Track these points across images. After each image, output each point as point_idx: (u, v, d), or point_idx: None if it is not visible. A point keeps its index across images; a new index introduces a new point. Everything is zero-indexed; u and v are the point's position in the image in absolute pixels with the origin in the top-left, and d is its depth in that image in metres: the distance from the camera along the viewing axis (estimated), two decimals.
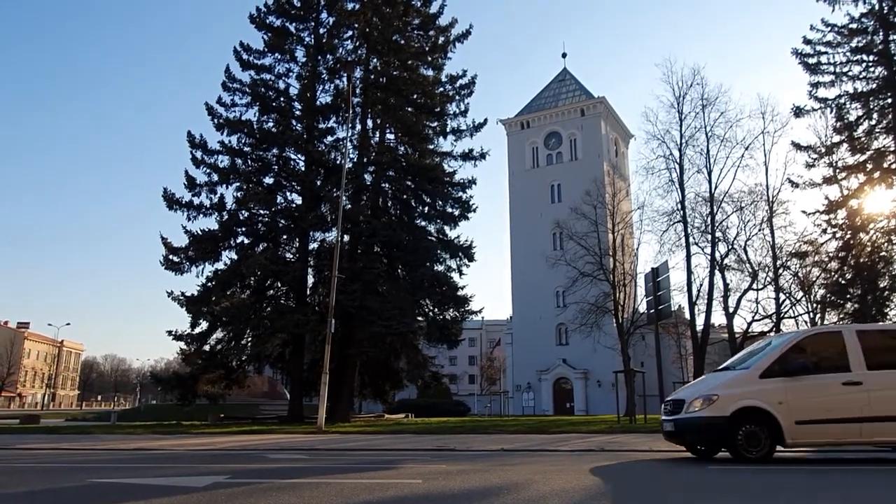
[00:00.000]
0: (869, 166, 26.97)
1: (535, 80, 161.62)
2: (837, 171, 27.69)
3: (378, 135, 29.37)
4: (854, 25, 27.21)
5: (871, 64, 27.48)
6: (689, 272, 32.22)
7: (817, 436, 8.62)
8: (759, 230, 32.27)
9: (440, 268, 28.15)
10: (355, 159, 27.81)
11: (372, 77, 28.51)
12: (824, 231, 28.48)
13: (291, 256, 27.75)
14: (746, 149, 31.74)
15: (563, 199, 55.45)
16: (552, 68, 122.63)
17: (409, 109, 28.47)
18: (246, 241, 27.02)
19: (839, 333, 9.18)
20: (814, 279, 33.34)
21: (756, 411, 8.48)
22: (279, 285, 27.38)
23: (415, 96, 28.46)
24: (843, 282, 27.62)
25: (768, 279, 32.32)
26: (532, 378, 58.33)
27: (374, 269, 25.95)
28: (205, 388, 27.66)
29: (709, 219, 32.04)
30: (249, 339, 26.77)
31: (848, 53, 27.73)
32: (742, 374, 9.17)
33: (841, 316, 29.78)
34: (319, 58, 28.74)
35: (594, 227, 35.60)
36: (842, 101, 27.46)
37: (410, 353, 28.62)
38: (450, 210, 28.66)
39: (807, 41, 28.16)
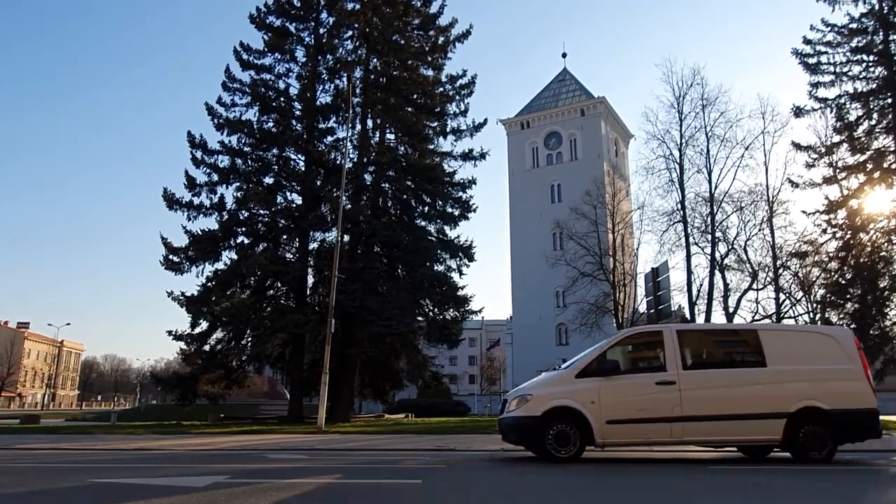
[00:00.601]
0: (869, 166, 26.95)
1: (535, 80, 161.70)
2: (837, 171, 27.68)
3: (378, 135, 29.37)
4: (854, 25, 27.21)
5: (871, 64, 27.47)
6: (689, 272, 32.24)
7: (628, 435, 8.58)
8: (759, 230, 32.30)
9: (440, 268, 28.15)
10: (355, 159, 27.81)
11: (372, 77, 28.51)
12: (824, 231, 28.47)
13: (291, 256, 27.74)
14: (746, 149, 31.77)
15: (563, 199, 55.46)
16: (552, 68, 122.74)
17: (409, 109, 28.47)
18: (246, 241, 27.01)
19: (660, 333, 9.11)
20: (814, 279, 33.34)
21: (568, 411, 8.46)
22: (279, 285, 27.38)
23: (415, 96, 28.46)
24: (843, 282, 27.61)
25: (768, 279, 32.34)
26: (532, 378, 58.26)
27: (374, 269, 25.94)
28: (205, 388, 27.65)
29: (709, 219, 32.04)
30: (249, 339, 26.77)
31: (848, 53, 27.73)
32: (560, 374, 9.22)
33: (841, 316, 29.78)
34: (319, 58, 28.74)
35: (594, 227, 35.59)
36: (842, 101, 27.46)
37: (410, 353, 28.61)
38: (450, 210, 28.66)
39: (807, 41, 28.16)
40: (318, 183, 27.47)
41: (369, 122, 29.40)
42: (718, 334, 10.30)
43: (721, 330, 10.45)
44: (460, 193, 28.60)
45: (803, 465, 8.13)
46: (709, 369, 8.97)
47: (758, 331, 9.26)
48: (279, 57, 28.93)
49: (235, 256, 26.34)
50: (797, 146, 28.71)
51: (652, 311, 18.30)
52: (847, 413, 8.47)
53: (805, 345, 9.16)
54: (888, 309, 26.93)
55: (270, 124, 27.93)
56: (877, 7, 26.92)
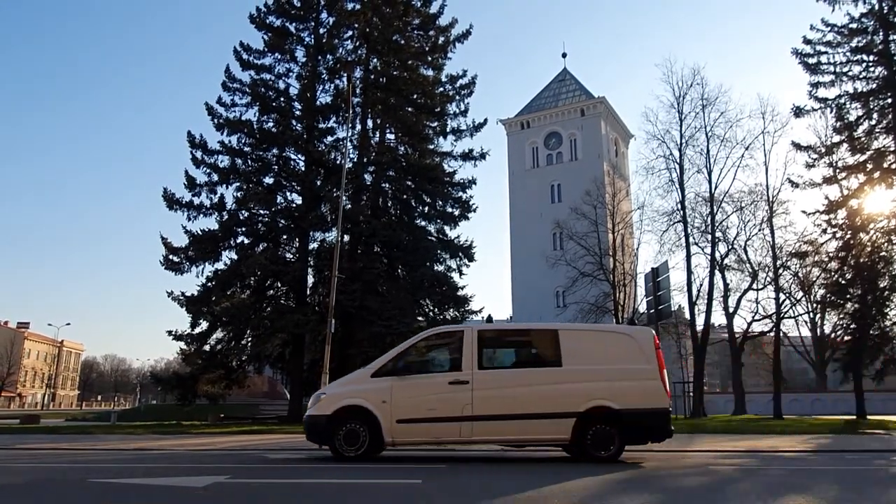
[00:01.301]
0: (869, 166, 26.94)
1: (535, 80, 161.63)
2: (837, 171, 27.67)
3: (378, 135, 29.38)
4: (854, 25, 27.20)
5: (871, 64, 27.46)
6: (689, 272, 32.26)
7: (418, 435, 8.59)
8: (759, 230, 32.33)
9: (440, 268, 28.16)
10: (355, 159, 27.82)
11: (372, 77, 28.52)
12: (824, 231, 28.47)
13: (291, 256, 27.75)
14: (746, 149, 31.77)
15: (563, 199, 55.43)
16: (552, 68, 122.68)
17: (409, 109, 28.48)
18: (246, 241, 27.01)
19: (461, 333, 9.09)
20: (814, 279, 33.40)
21: (359, 410, 8.48)
22: (279, 285, 27.38)
23: (415, 96, 28.47)
24: (843, 282, 27.60)
25: (768, 279, 32.36)
26: None
27: (374, 269, 25.95)
28: (205, 388, 27.64)
29: (709, 219, 32.06)
30: (249, 339, 26.77)
31: (848, 53, 27.72)
32: (358, 373, 9.24)
33: (841, 316, 29.80)
34: (319, 58, 28.74)
35: (594, 227, 35.60)
36: (842, 101, 27.44)
37: None
38: (450, 210, 28.67)
39: (807, 41, 28.15)
40: (318, 183, 27.47)
41: (369, 122, 29.43)
42: (520, 334, 10.26)
43: (522, 330, 10.47)
44: (460, 193, 28.62)
45: (804, 464, 8.12)
46: (504, 369, 9.03)
47: (558, 331, 9.24)
48: (279, 57, 28.93)
49: (235, 256, 26.34)
50: (797, 146, 28.70)
51: (652, 311, 18.32)
52: (638, 413, 8.47)
53: (604, 344, 9.17)
54: (888, 309, 26.93)
55: (270, 124, 27.94)
56: (877, 7, 26.91)
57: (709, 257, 32.37)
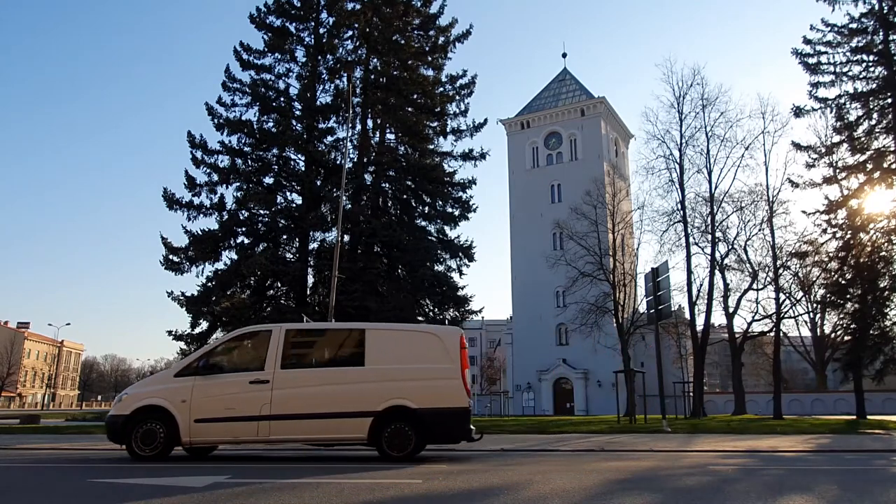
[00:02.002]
0: (869, 166, 26.94)
1: (535, 80, 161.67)
2: (837, 171, 27.67)
3: (378, 135, 29.40)
4: (854, 25, 27.19)
5: (871, 64, 27.45)
6: (689, 272, 32.30)
7: (216, 434, 8.62)
8: (759, 230, 32.35)
9: (440, 268, 28.18)
10: (355, 159, 27.83)
11: (372, 77, 28.53)
12: (824, 231, 28.47)
13: (291, 256, 27.76)
14: (746, 149, 31.80)
15: (563, 199, 55.42)
16: (552, 68, 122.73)
17: (410, 109, 28.50)
18: (246, 241, 27.03)
19: (269, 332, 9.13)
20: (814, 279, 33.41)
21: (157, 410, 8.50)
22: (279, 285, 27.39)
23: (415, 96, 28.49)
24: (843, 282, 27.60)
25: (768, 279, 32.38)
26: (532, 378, 58.35)
27: (375, 270, 25.96)
28: None
29: (709, 219, 32.08)
30: None
31: (848, 53, 27.71)
32: (163, 373, 9.32)
33: (841, 316, 29.79)
34: (319, 58, 28.75)
35: (594, 227, 35.61)
36: (842, 101, 27.44)
37: None
38: (450, 210, 28.69)
39: (807, 41, 28.15)
40: (318, 183, 27.48)
41: (369, 122, 29.46)
42: (327, 334, 10.26)
43: (330, 329, 10.50)
44: (460, 193, 28.64)
45: (801, 465, 8.12)
46: (306, 368, 9.05)
47: (365, 330, 9.30)
48: (279, 57, 28.96)
49: (235, 256, 26.37)
50: (797, 146, 28.71)
51: (652, 311, 18.31)
52: (436, 413, 8.50)
53: (409, 344, 9.19)
54: (888, 309, 26.93)
55: (270, 124, 27.96)
56: (877, 7, 26.90)
57: (709, 257, 32.43)
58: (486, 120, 29.76)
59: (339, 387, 8.69)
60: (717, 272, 32.60)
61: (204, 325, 26.09)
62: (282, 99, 28.60)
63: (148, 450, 8.37)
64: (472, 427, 8.85)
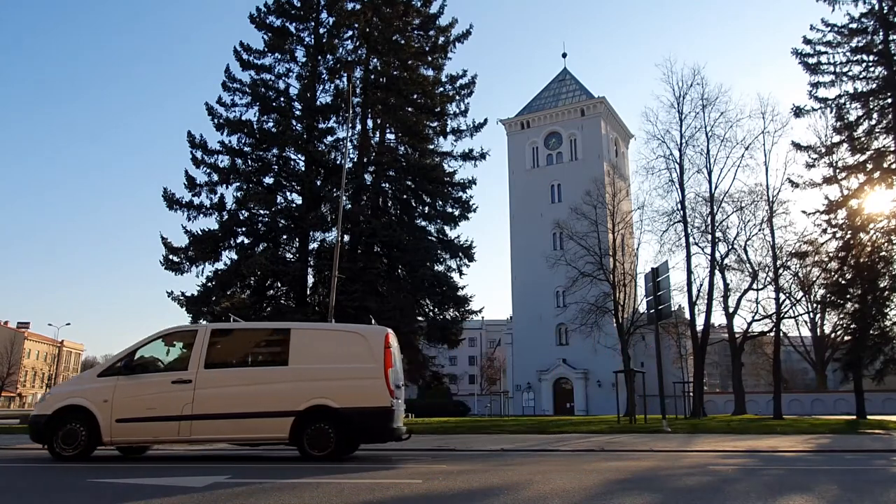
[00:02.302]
0: (869, 166, 26.95)
1: (535, 80, 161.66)
2: (837, 171, 27.67)
3: (378, 135, 29.41)
4: (854, 25, 27.19)
5: (871, 64, 27.46)
6: (689, 272, 32.29)
7: (137, 434, 8.64)
8: (759, 230, 32.34)
9: (440, 268, 28.19)
10: (355, 159, 27.84)
11: (372, 77, 28.53)
12: (824, 231, 28.48)
13: (291, 256, 27.77)
14: (746, 149, 31.79)
15: (563, 199, 55.40)
16: (552, 68, 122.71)
17: (410, 109, 28.51)
18: (246, 241, 27.05)
19: (194, 332, 9.17)
20: (814, 279, 33.40)
21: (79, 409, 8.52)
22: (279, 285, 27.40)
23: (415, 96, 28.50)
24: (843, 282, 27.61)
25: (768, 279, 32.37)
26: (532, 378, 58.34)
27: (375, 270, 25.97)
28: None
29: (709, 219, 32.08)
30: None
31: (848, 53, 27.71)
32: (87, 373, 9.37)
33: (841, 316, 29.79)
34: (319, 58, 28.76)
35: (594, 227, 35.60)
36: (842, 101, 27.44)
37: (410, 354, 28.59)
38: (450, 210, 28.71)
39: (807, 41, 28.15)
40: (318, 183, 27.49)
41: (369, 122, 29.48)
42: (254, 333, 10.26)
43: (257, 329, 10.46)
44: (460, 193, 28.66)
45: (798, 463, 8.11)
46: (229, 368, 9.06)
47: (290, 330, 9.29)
48: (279, 57, 28.97)
49: (235, 256, 26.38)
50: (797, 146, 28.72)
51: (652, 311, 18.31)
52: (358, 412, 8.52)
53: (334, 344, 9.23)
54: (888, 309, 26.94)
55: (270, 124, 27.98)
56: (877, 7, 26.90)
57: (709, 257, 32.43)
58: (486, 120, 29.82)
59: (262, 386, 8.70)
60: (717, 272, 32.62)
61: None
62: (282, 99, 28.61)
63: (70, 450, 8.38)
64: (396, 426, 8.83)
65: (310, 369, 8.78)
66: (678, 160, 32.51)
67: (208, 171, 27.18)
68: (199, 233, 26.37)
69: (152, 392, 8.62)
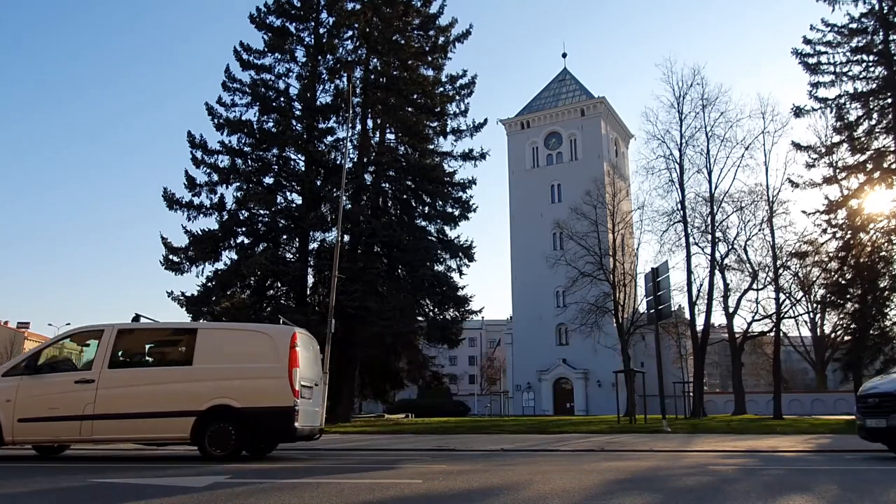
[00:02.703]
0: (869, 166, 26.95)
1: (535, 80, 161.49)
2: (837, 171, 27.68)
3: (378, 135, 29.41)
4: (854, 25, 27.19)
5: (871, 64, 27.45)
6: (689, 272, 32.30)
7: (39, 433, 8.66)
8: (759, 230, 32.33)
9: (440, 268, 28.21)
10: (355, 159, 27.84)
11: (372, 77, 28.53)
12: (824, 231, 28.49)
13: (291, 256, 27.77)
14: (746, 149, 31.79)
15: (563, 199, 55.38)
16: (552, 68, 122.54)
17: (410, 109, 28.51)
18: (246, 241, 27.05)
19: (101, 331, 9.14)
20: (814, 279, 33.39)
21: None
22: (279, 285, 27.40)
23: (415, 96, 28.50)
24: (843, 282, 27.62)
25: (768, 279, 32.36)
26: (532, 378, 58.33)
27: (375, 270, 25.98)
28: None
29: (709, 219, 32.08)
30: None
31: (848, 53, 27.71)
32: None
33: (841, 316, 29.78)
34: (319, 58, 28.76)
35: (594, 227, 35.59)
36: (842, 101, 27.44)
37: (411, 354, 28.65)
38: (450, 210, 28.72)
39: (807, 41, 28.15)
40: (318, 183, 27.50)
41: (369, 122, 29.49)
42: (160, 333, 10.22)
43: (163, 329, 10.39)
44: (460, 193, 28.67)
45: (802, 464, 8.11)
46: (133, 368, 9.09)
47: (197, 329, 9.35)
48: (279, 57, 28.98)
49: (235, 256, 26.39)
50: (797, 146, 28.72)
51: (652, 311, 18.31)
52: (260, 412, 8.54)
53: (240, 343, 9.23)
54: (888, 309, 26.94)
55: (270, 124, 27.99)
56: (877, 7, 26.89)
57: (709, 257, 32.43)
58: (486, 120, 29.83)
59: (165, 386, 8.73)
60: (717, 272, 32.62)
61: None
62: (282, 99, 28.61)
63: None
64: (300, 426, 8.79)
65: (213, 369, 8.81)
66: (678, 160, 32.54)
67: (208, 171, 27.21)
68: (199, 233, 26.39)
69: (55, 392, 8.65)
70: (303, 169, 27.86)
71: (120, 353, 9.03)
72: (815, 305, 42.22)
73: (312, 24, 29.26)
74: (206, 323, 9.76)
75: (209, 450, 8.48)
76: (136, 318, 9.89)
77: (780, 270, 31.52)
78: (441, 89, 29.23)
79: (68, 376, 8.81)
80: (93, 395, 8.53)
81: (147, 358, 9.56)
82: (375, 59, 28.88)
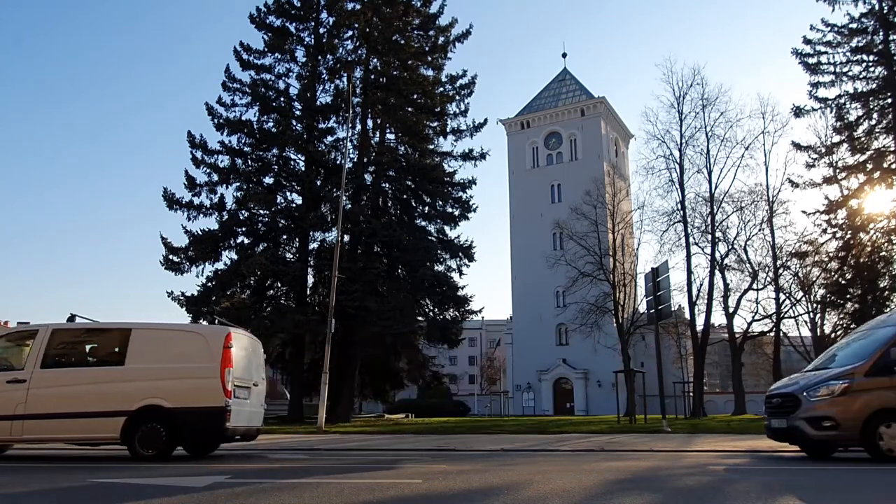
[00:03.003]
0: (869, 166, 26.98)
1: (535, 80, 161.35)
2: (837, 171, 27.71)
3: (378, 135, 29.40)
4: (854, 25, 27.22)
5: (871, 64, 27.48)
6: (689, 272, 32.33)
7: None
8: (759, 230, 32.38)
9: (440, 268, 28.19)
10: (355, 159, 27.83)
11: (372, 77, 28.52)
12: (824, 231, 28.52)
13: (291, 256, 27.76)
14: (746, 149, 31.85)
15: (563, 199, 55.39)
16: (552, 68, 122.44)
17: (410, 109, 28.49)
18: (246, 241, 27.04)
19: (35, 332, 9.21)
20: (814, 279, 33.39)
21: None
22: (279, 285, 27.40)
23: (415, 96, 28.48)
24: (843, 282, 27.64)
25: (768, 279, 32.40)
26: (532, 378, 58.32)
27: (375, 270, 25.97)
28: None
29: (709, 219, 32.11)
30: None
31: (848, 53, 27.75)
32: None
33: (841, 316, 29.78)
34: (319, 58, 28.76)
35: (594, 227, 35.60)
36: (842, 101, 27.48)
37: (411, 354, 28.65)
38: (450, 210, 28.70)
39: (807, 41, 28.18)
40: (318, 183, 27.49)
41: (369, 122, 29.46)
42: (94, 333, 10.19)
43: (97, 329, 10.29)
44: (460, 193, 28.65)
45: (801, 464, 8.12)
46: (65, 368, 9.13)
47: (131, 329, 9.31)
48: (279, 57, 28.97)
49: (235, 256, 26.38)
50: (797, 146, 28.75)
51: (652, 311, 18.30)
52: (191, 412, 8.59)
53: (174, 343, 9.26)
54: (888, 309, 26.93)
55: (270, 124, 27.97)
56: (877, 7, 26.92)
57: (709, 257, 32.46)
58: (486, 120, 29.80)
59: (97, 386, 8.77)
60: (717, 272, 32.65)
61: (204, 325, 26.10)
62: (282, 99, 28.60)
63: None
64: (232, 426, 8.83)
65: (145, 369, 8.84)
66: (678, 160, 32.58)
67: (208, 171, 27.19)
68: (199, 233, 26.37)
69: None
70: (303, 169, 27.86)
71: (53, 354, 9.06)
72: (815, 305, 42.12)
73: (312, 24, 29.26)
74: (140, 323, 9.75)
75: (139, 450, 8.54)
76: (72, 318, 9.89)
77: (780, 270, 31.56)
78: (441, 89, 29.22)
79: (1, 376, 8.87)
80: (24, 395, 8.59)
81: (80, 358, 9.59)
82: (375, 59, 28.87)
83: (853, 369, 8.55)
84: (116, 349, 9.20)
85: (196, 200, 26.79)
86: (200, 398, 8.66)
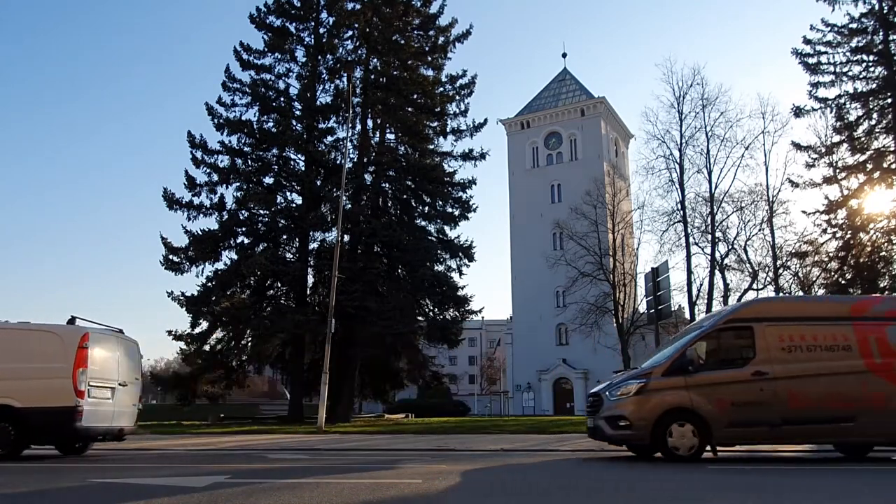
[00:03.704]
0: (869, 166, 26.94)
1: (535, 80, 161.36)
2: (837, 171, 27.67)
3: (378, 135, 29.38)
4: (854, 25, 27.18)
5: (871, 64, 27.45)
6: (689, 272, 32.29)
7: None
8: (759, 230, 32.35)
9: (440, 268, 28.17)
10: (355, 159, 27.83)
11: (372, 77, 28.51)
12: (824, 231, 28.47)
13: (291, 256, 27.75)
14: (746, 149, 31.83)
15: (563, 199, 55.42)
16: (552, 68, 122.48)
17: (410, 109, 28.47)
18: (246, 241, 27.03)
19: None
20: (814, 279, 33.35)
21: None
22: (279, 285, 27.39)
23: (415, 96, 28.47)
24: (843, 282, 27.58)
25: (768, 279, 32.36)
26: (532, 378, 58.34)
27: (375, 270, 25.96)
28: (205, 389, 27.68)
29: (709, 219, 32.08)
30: (249, 339, 26.78)
31: (848, 53, 27.70)
32: None
33: None
34: (319, 58, 28.75)
35: (594, 227, 35.61)
36: (842, 101, 27.43)
37: (411, 354, 28.63)
38: (450, 210, 28.68)
39: (807, 41, 28.14)
40: (318, 183, 27.49)
41: (369, 122, 29.44)
42: None
43: None
44: (460, 193, 28.64)
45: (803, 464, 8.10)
46: None
47: None
48: (279, 57, 28.95)
49: (235, 256, 26.36)
50: (797, 146, 28.71)
51: (652, 311, 18.28)
52: (41, 412, 8.66)
53: (28, 343, 9.29)
54: None
55: (270, 124, 27.96)
56: (877, 7, 26.89)
57: (709, 257, 32.42)
58: (486, 120, 29.76)
59: None
60: (717, 272, 32.62)
61: (204, 325, 26.12)
62: (282, 99, 28.59)
63: None
64: (81, 426, 8.87)
65: None
66: (678, 160, 32.55)
67: (208, 171, 27.17)
68: (199, 233, 26.35)
69: None
70: (303, 169, 27.85)
71: None
72: None
73: (312, 24, 29.24)
74: None
75: None
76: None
77: (780, 270, 31.54)
78: (441, 89, 29.20)
79: None
80: None
81: None
82: (375, 59, 28.85)
83: (651, 369, 8.63)
84: None
85: (196, 200, 26.79)
86: (52, 398, 8.74)
